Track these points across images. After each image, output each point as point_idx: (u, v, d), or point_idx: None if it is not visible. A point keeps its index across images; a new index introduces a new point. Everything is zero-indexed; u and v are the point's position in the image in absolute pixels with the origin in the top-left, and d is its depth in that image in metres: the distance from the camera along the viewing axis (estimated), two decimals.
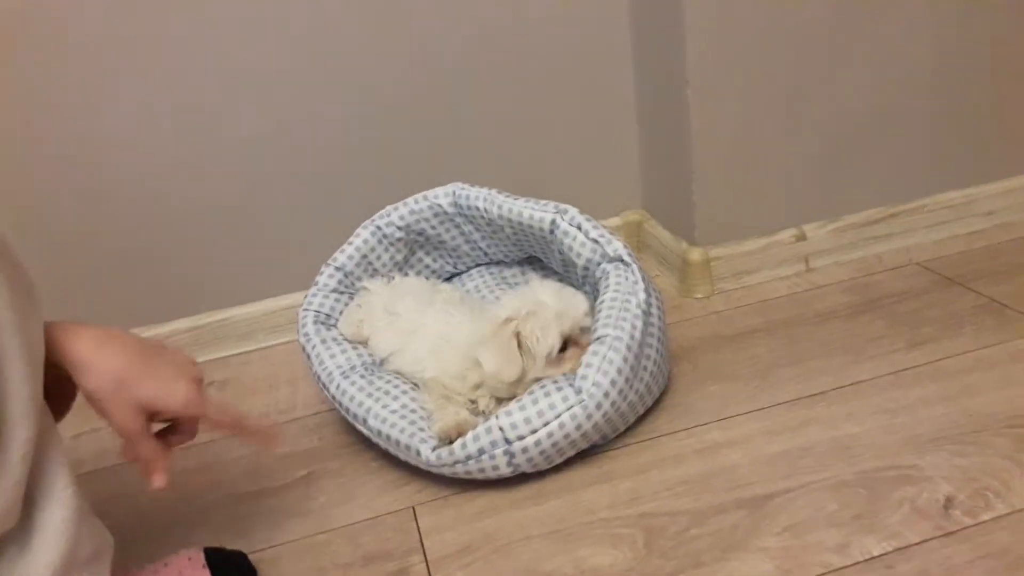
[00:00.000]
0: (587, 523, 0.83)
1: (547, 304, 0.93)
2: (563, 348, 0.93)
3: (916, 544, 0.75)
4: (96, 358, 0.64)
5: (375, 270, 1.12)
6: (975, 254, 1.25)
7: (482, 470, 0.87)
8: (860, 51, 1.18)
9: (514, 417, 0.86)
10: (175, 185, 1.21)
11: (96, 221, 1.20)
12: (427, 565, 0.81)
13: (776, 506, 0.81)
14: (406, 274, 1.15)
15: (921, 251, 1.28)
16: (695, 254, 1.23)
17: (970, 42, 1.22)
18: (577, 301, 0.95)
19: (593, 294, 1.03)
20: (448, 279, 1.21)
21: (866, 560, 0.74)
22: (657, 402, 0.99)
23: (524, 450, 0.86)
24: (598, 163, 1.34)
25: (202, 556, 0.76)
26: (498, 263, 1.20)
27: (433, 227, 1.12)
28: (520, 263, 1.19)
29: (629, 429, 0.95)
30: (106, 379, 0.64)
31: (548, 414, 0.86)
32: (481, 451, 0.86)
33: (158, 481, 0.68)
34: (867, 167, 1.25)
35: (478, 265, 1.21)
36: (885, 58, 1.19)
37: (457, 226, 1.12)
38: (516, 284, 1.18)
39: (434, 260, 1.18)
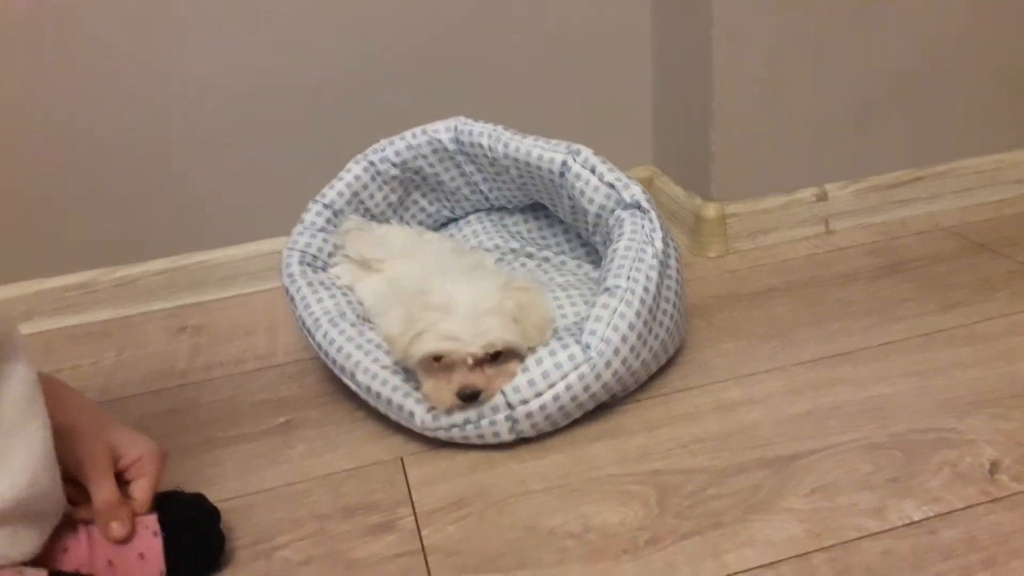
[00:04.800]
0: (593, 479, 0.76)
1: (455, 309, 0.77)
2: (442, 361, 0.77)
3: (961, 510, 0.68)
4: (80, 398, 0.68)
5: (367, 210, 1.04)
6: (1004, 221, 1.18)
7: (481, 436, 0.79)
8: (893, 3, 1.10)
9: (517, 379, 0.78)
10: (152, 115, 1.12)
11: (66, 153, 1.11)
12: (415, 518, 0.73)
13: (802, 467, 0.74)
14: (401, 217, 1.07)
15: (947, 217, 1.20)
16: (710, 210, 1.15)
17: None
18: (486, 328, 0.76)
19: (604, 245, 0.95)
20: (444, 225, 1.13)
21: (905, 525, 0.67)
22: (669, 360, 0.92)
23: (528, 415, 0.78)
24: (606, 112, 1.25)
25: (155, 521, 0.68)
26: (500, 209, 1.12)
27: (431, 165, 1.04)
28: (523, 210, 1.11)
29: (640, 386, 0.88)
30: (85, 414, 0.67)
31: (554, 375, 0.78)
32: (481, 415, 0.78)
33: (118, 530, 0.65)
34: (894, 126, 1.18)
35: (478, 211, 1.12)
36: (918, 12, 1.12)
37: (457, 165, 1.04)
38: (517, 232, 1.10)
39: (430, 203, 1.10)
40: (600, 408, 0.84)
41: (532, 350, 0.80)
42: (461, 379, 0.77)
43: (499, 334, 0.76)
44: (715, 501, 0.71)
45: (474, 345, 0.76)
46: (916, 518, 0.67)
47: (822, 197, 1.17)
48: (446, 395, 0.78)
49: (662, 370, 0.90)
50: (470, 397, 0.78)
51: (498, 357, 0.78)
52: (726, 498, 0.71)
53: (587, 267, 1.05)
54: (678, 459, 0.77)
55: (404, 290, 0.82)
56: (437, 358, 0.77)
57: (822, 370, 0.88)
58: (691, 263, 1.15)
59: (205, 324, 1.13)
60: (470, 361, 0.76)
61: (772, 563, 0.64)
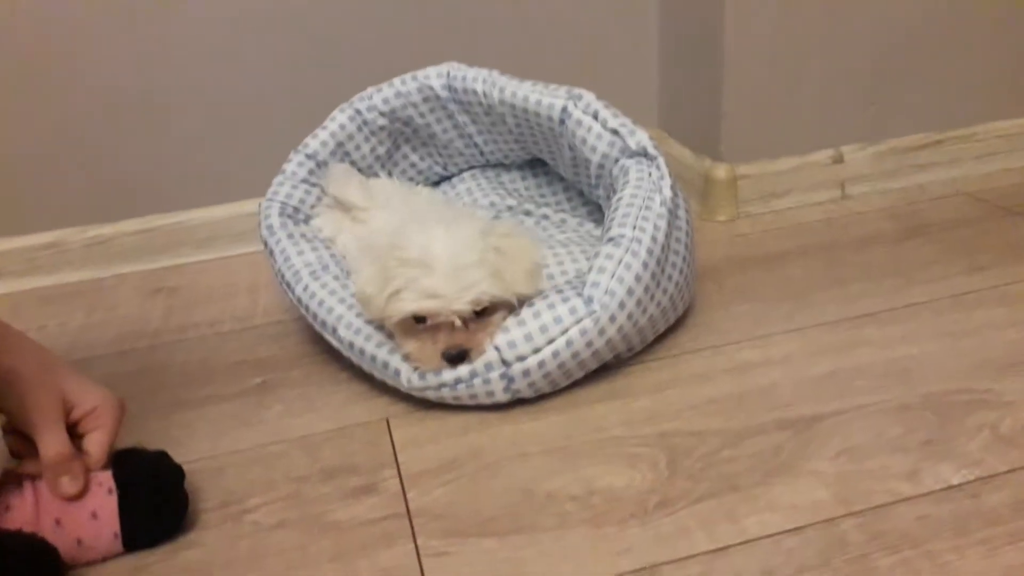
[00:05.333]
0: (597, 441, 0.69)
1: (435, 263, 0.69)
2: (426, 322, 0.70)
3: (1004, 473, 0.61)
4: (25, 340, 0.62)
5: (353, 163, 0.97)
6: None
7: (474, 396, 0.72)
8: None
9: (512, 334, 0.71)
10: (127, 65, 1.05)
11: (35, 106, 1.04)
12: (400, 480, 0.66)
13: (827, 428, 0.67)
14: (389, 173, 1.00)
15: (969, 183, 1.14)
16: (720, 171, 1.08)
17: None
18: (470, 283, 0.69)
19: (607, 198, 0.89)
20: (437, 184, 1.06)
21: (943, 489, 0.60)
22: (676, 321, 0.85)
23: (525, 372, 0.71)
24: (608, 71, 1.18)
25: (110, 478, 0.61)
26: (495, 166, 1.05)
27: (422, 115, 0.97)
28: (520, 167, 1.04)
29: (646, 347, 0.81)
30: (31, 357, 0.60)
31: (553, 329, 0.71)
32: (473, 374, 0.72)
33: (69, 486, 0.59)
34: (915, 87, 1.11)
35: (472, 167, 1.05)
36: None
37: (450, 115, 0.97)
38: (515, 190, 1.03)
39: (421, 158, 1.03)
40: (603, 370, 0.78)
41: (523, 299, 0.73)
42: (447, 339, 0.71)
43: (484, 288, 0.69)
44: (731, 464, 0.64)
45: (459, 302, 0.69)
46: (955, 482, 0.61)
47: (838, 160, 1.11)
48: (431, 356, 0.71)
49: (670, 331, 0.84)
50: (457, 358, 0.71)
51: (484, 311, 0.71)
52: (743, 460, 0.65)
53: (589, 225, 0.98)
54: (689, 421, 0.70)
55: (377, 244, 0.74)
56: (419, 319, 0.71)
57: (844, 331, 0.81)
58: (700, 228, 1.08)
59: (181, 286, 1.06)
60: (457, 322, 0.70)
61: (796, 528, 0.58)
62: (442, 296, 0.69)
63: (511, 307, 0.72)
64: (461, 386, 0.72)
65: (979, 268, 0.91)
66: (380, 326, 0.76)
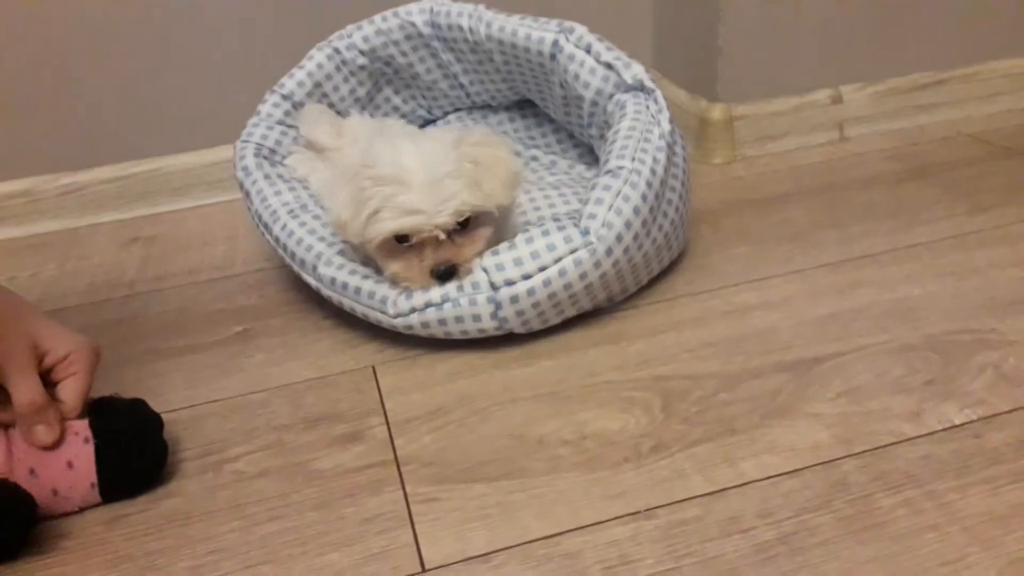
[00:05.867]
0: (589, 385, 0.67)
1: (410, 178, 0.66)
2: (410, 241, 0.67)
3: (1007, 412, 0.59)
4: None
5: (331, 104, 0.92)
6: None
7: (460, 318, 0.69)
8: None
9: (501, 257, 0.68)
10: (99, 9, 0.99)
11: (4, 47, 0.98)
12: (388, 427, 0.64)
13: (827, 370, 0.65)
14: (370, 116, 0.96)
15: (971, 124, 1.11)
16: (716, 111, 1.05)
17: None
18: (449, 195, 0.66)
19: (600, 138, 0.85)
20: (421, 127, 1.02)
21: (946, 429, 0.58)
22: (671, 265, 0.82)
23: (513, 299, 0.68)
24: (599, 7, 1.13)
25: (86, 427, 0.58)
26: (482, 108, 1.00)
27: (404, 53, 0.92)
28: (508, 108, 1.00)
29: (639, 291, 0.79)
30: (1, 305, 0.57)
31: (545, 256, 0.68)
32: (460, 289, 0.69)
33: (44, 434, 0.57)
34: (916, 24, 1.07)
35: (458, 110, 1.01)
36: None
37: (434, 54, 0.93)
38: (503, 132, 0.99)
39: (404, 101, 0.99)
40: (596, 314, 0.75)
41: (503, 210, 0.70)
42: (433, 255, 0.68)
43: (464, 198, 0.66)
44: (728, 407, 0.62)
45: (440, 216, 0.65)
46: (958, 422, 0.59)
47: (837, 100, 1.07)
48: (418, 275, 0.68)
49: (664, 275, 0.81)
50: (446, 274, 0.68)
51: (466, 224, 0.68)
52: (741, 404, 0.63)
53: (580, 167, 0.95)
54: (685, 364, 0.68)
55: (347, 166, 0.70)
56: (400, 238, 0.67)
57: (845, 272, 0.79)
58: (695, 171, 1.05)
59: (158, 235, 1.02)
60: (441, 236, 0.66)
61: (796, 470, 0.56)
62: (422, 211, 0.66)
63: (494, 219, 0.70)
64: (448, 305, 0.69)
65: (981, 209, 0.88)
66: (361, 257, 0.74)
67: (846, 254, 0.82)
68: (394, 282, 0.70)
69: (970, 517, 0.51)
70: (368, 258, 0.74)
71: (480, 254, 0.69)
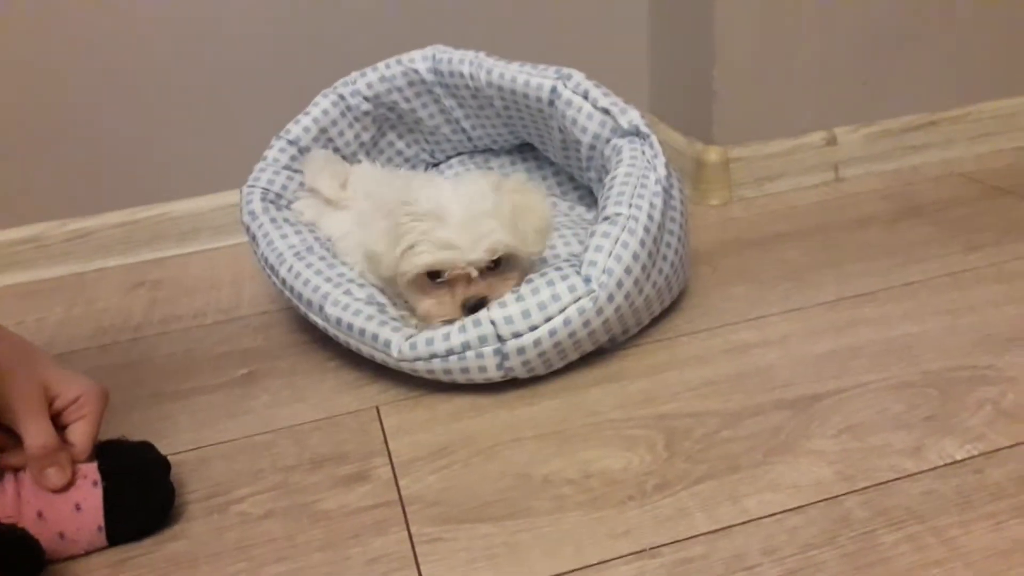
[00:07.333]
0: (593, 424, 0.67)
1: (448, 214, 0.68)
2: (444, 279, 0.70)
3: (1007, 447, 0.60)
4: (1, 331, 0.59)
5: (336, 149, 0.94)
6: None
7: (465, 370, 0.70)
8: None
9: (509, 310, 0.70)
10: (105, 53, 1.02)
11: (13, 96, 1.01)
12: (392, 468, 0.64)
13: (827, 407, 0.66)
14: (374, 161, 0.98)
15: (963, 164, 1.13)
16: (712, 154, 1.07)
17: None
18: (485, 232, 0.68)
19: (599, 181, 0.87)
20: (424, 171, 1.04)
21: (947, 464, 0.59)
22: (671, 304, 0.84)
23: (520, 350, 0.69)
24: (597, 54, 1.16)
25: (95, 470, 0.59)
26: (484, 151, 1.03)
27: (407, 99, 0.95)
28: (510, 152, 1.02)
29: (641, 331, 0.80)
30: (11, 350, 0.58)
31: (551, 307, 0.70)
32: (466, 346, 0.70)
33: (56, 477, 0.58)
34: (908, 66, 1.10)
35: (460, 154, 1.03)
36: None
37: (436, 100, 0.95)
38: (504, 176, 1.01)
39: (408, 145, 1.01)
40: (598, 353, 0.76)
41: (534, 257, 0.72)
42: (464, 290, 0.69)
43: (500, 237, 0.68)
44: (731, 444, 0.63)
45: (476, 252, 0.67)
46: (959, 457, 0.59)
47: (831, 141, 1.10)
48: (449, 308, 0.70)
49: (664, 314, 0.82)
50: (475, 307, 0.69)
51: (498, 265, 0.70)
52: (743, 441, 0.63)
53: (580, 208, 0.97)
54: (687, 402, 0.69)
55: (386, 203, 0.72)
56: (433, 274, 0.69)
57: (843, 311, 0.80)
58: (693, 212, 1.07)
59: (164, 279, 1.04)
60: (474, 273, 0.68)
61: (799, 507, 0.56)
62: (458, 247, 0.67)
63: (524, 264, 0.71)
64: (453, 358, 0.70)
65: (976, 247, 0.90)
66: (391, 292, 0.75)
67: (843, 293, 0.83)
68: (423, 320, 0.72)
69: (973, 552, 0.51)
70: (398, 295, 0.75)
71: (506, 295, 0.71)
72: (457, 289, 0.70)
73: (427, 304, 0.70)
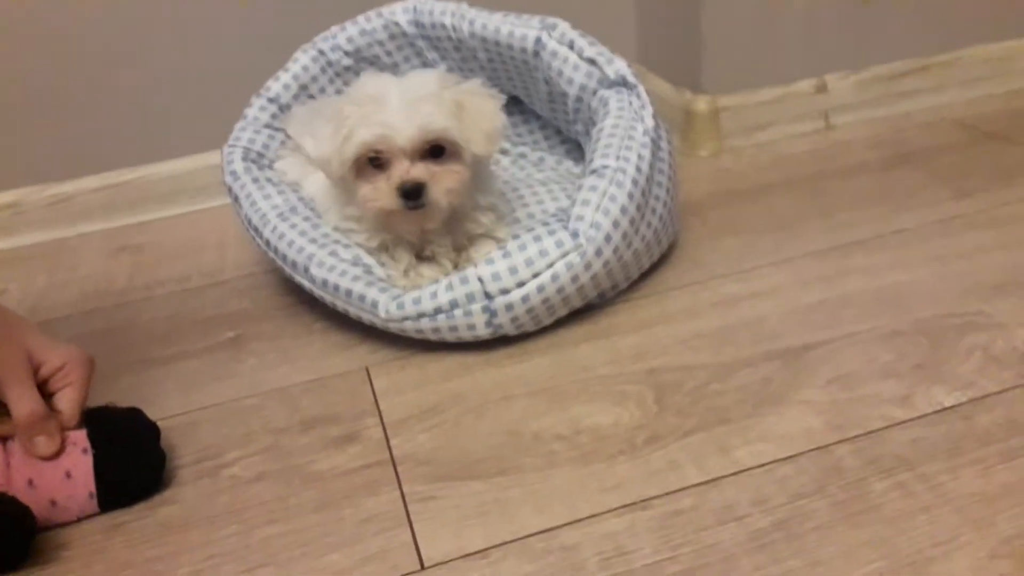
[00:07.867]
0: (583, 380, 0.67)
1: (388, 99, 0.69)
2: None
3: (996, 393, 0.60)
4: None
5: None
6: (1017, 112, 1.09)
7: (454, 328, 0.70)
8: None
9: (497, 266, 0.69)
10: (81, 17, 0.99)
11: None
12: (383, 428, 0.64)
13: (817, 357, 0.66)
14: None
15: (954, 109, 1.12)
16: (701, 103, 1.05)
17: None
18: (423, 114, 0.68)
19: (586, 133, 0.85)
20: None
21: (936, 412, 0.59)
22: (661, 258, 0.83)
23: (508, 307, 0.69)
24: (582, 2, 1.12)
25: (84, 437, 0.58)
26: None
27: (388, 53, 0.92)
28: None
29: (630, 285, 0.79)
30: None
31: (538, 263, 0.69)
32: (454, 303, 0.69)
33: (46, 445, 0.57)
34: (899, 13, 1.08)
35: None
36: None
37: (418, 53, 0.93)
38: None
39: None
40: (587, 309, 0.75)
41: (478, 160, 0.71)
42: (400, 173, 0.68)
43: (437, 119, 0.68)
44: (720, 397, 0.63)
45: (409, 129, 0.67)
46: (948, 404, 0.60)
47: (822, 89, 1.08)
48: (385, 194, 0.69)
49: (654, 268, 0.81)
50: (413, 193, 0.68)
51: (441, 155, 0.69)
52: (733, 393, 0.63)
53: (568, 163, 0.95)
54: (677, 356, 0.68)
55: (331, 106, 0.73)
56: (373, 161, 0.69)
57: (833, 260, 0.79)
58: (682, 163, 1.05)
59: (147, 243, 1.02)
60: (410, 154, 0.68)
61: (790, 456, 0.56)
62: (393, 126, 0.67)
63: (468, 164, 0.70)
64: (441, 316, 0.70)
65: (966, 193, 0.89)
66: (362, 260, 0.75)
67: (833, 242, 0.83)
68: (365, 208, 0.71)
69: (961, 498, 0.52)
70: (370, 247, 0.76)
71: (452, 193, 0.70)
72: (394, 173, 0.69)
73: (364, 190, 0.70)
